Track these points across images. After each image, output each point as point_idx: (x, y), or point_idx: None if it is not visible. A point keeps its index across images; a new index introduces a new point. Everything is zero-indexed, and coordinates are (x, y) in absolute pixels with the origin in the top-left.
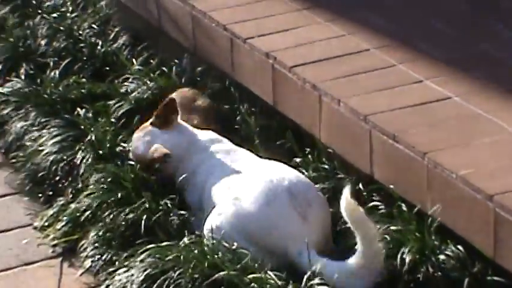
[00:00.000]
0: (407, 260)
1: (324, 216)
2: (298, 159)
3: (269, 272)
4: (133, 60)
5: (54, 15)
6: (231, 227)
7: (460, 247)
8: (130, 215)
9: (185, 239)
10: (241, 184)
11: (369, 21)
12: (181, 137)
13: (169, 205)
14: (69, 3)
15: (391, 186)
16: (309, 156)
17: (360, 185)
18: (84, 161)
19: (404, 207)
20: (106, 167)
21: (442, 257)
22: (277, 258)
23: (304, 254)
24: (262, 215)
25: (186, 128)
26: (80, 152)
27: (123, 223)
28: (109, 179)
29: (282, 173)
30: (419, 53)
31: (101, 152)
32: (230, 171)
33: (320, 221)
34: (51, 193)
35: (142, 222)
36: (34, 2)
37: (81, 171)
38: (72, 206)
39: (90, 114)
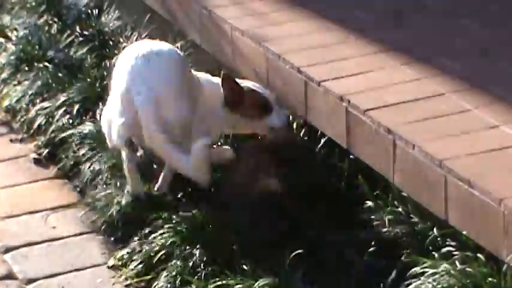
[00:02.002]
0: None
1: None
2: (370, 203)
3: None
4: None
5: None
6: None
7: None
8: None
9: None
10: None
11: (444, 65)
12: None
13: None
14: None
15: (465, 232)
16: (382, 200)
17: (434, 230)
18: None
19: (479, 254)
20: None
21: None
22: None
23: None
24: None
25: None
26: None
27: (194, 262)
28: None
29: None
30: (495, 97)
31: None
32: None
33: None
34: (125, 233)
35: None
36: (111, 43)
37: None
38: (146, 246)
39: None
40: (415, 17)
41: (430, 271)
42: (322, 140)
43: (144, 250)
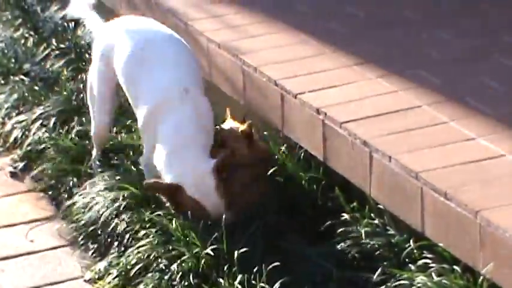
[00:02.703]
0: None
1: None
2: (346, 215)
3: None
4: None
5: None
6: None
7: None
8: (181, 267)
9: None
10: None
11: (420, 78)
12: None
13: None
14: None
15: (441, 244)
16: (359, 212)
17: (411, 242)
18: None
19: (455, 266)
20: (153, 219)
21: None
22: None
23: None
24: None
25: None
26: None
27: (171, 275)
28: (158, 232)
29: None
30: (471, 109)
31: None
32: None
33: None
34: (102, 246)
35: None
36: (88, 56)
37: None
38: (123, 259)
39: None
40: (392, 29)
41: (407, 283)
42: (300, 153)
43: (121, 263)
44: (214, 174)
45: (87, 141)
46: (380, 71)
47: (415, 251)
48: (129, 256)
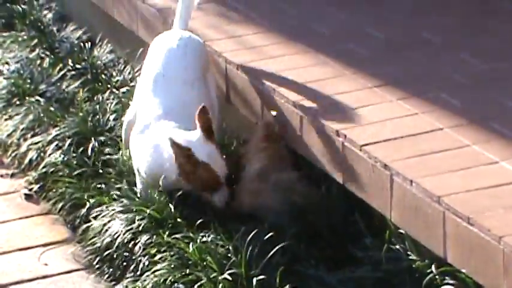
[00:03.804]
0: None
1: None
2: (367, 240)
3: None
4: None
5: (123, 90)
6: None
7: None
8: None
9: None
10: None
11: (442, 100)
12: None
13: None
14: (138, 79)
15: (464, 270)
16: (379, 237)
17: (433, 268)
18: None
19: None
20: (170, 242)
21: None
22: None
23: None
24: None
25: None
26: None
27: None
28: (175, 256)
29: None
30: (494, 133)
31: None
32: None
33: None
34: (117, 269)
35: None
36: (104, 76)
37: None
38: (139, 283)
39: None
40: (413, 50)
41: None
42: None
43: (137, 287)
44: (209, 138)
45: (102, 164)
46: (400, 93)
47: (437, 277)
48: (145, 280)
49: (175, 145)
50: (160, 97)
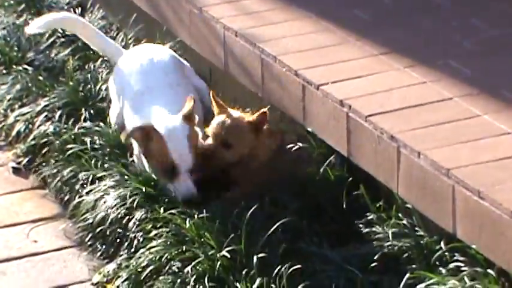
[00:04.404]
0: None
1: None
2: (372, 215)
3: None
4: None
5: None
6: None
7: None
8: (195, 270)
9: None
10: None
11: (451, 68)
12: None
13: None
14: (131, 46)
15: (474, 246)
16: (385, 212)
17: (442, 244)
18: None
19: (489, 269)
20: (165, 218)
21: None
22: None
23: None
24: None
25: None
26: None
27: (184, 278)
28: (171, 232)
29: None
30: (505, 102)
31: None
32: None
33: None
34: (111, 247)
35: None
36: None
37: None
38: (133, 261)
39: None
40: (420, 15)
41: None
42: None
43: (131, 265)
44: (185, 122)
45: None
46: (408, 61)
47: (446, 253)
48: (139, 258)
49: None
50: (149, 106)
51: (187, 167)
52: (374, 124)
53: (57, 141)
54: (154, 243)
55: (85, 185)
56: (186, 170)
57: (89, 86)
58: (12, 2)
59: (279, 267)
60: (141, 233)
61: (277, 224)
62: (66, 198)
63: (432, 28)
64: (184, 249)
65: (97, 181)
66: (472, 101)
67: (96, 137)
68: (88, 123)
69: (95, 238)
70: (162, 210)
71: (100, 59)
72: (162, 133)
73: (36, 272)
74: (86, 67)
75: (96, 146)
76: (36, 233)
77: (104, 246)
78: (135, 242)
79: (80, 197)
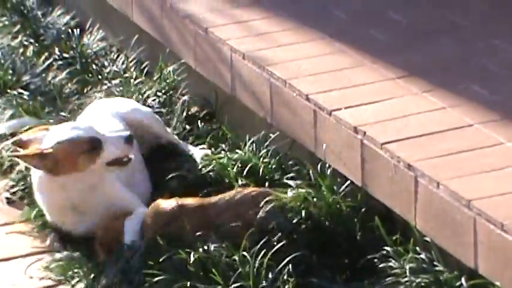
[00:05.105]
0: None
1: None
2: (388, 249)
3: None
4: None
5: (116, 81)
6: None
7: None
8: None
9: None
10: None
11: (473, 93)
12: None
13: None
14: (132, 69)
15: (498, 283)
16: (402, 245)
17: (462, 280)
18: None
19: None
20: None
21: None
22: None
23: None
24: None
25: None
26: None
27: None
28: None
29: None
30: None
31: None
32: None
33: None
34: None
35: None
36: (94, 67)
37: None
38: None
39: None
40: (440, 36)
41: None
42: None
43: None
44: None
45: None
46: (426, 85)
47: None
48: None
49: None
50: None
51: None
52: (390, 152)
53: None
54: (156, 279)
55: None
56: None
57: None
58: (7, 22)
59: None
60: (142, 268)
61: (288, 258)
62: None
63: (452, 50)
64: (188, 285)
65: None
66: (495, 128)
67: None
68: None
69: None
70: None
71: (99, 84)
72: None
73: None
74: (84, 91)
75: None
76: (32, 268)
77: (104, 281)
78: (137, 277)
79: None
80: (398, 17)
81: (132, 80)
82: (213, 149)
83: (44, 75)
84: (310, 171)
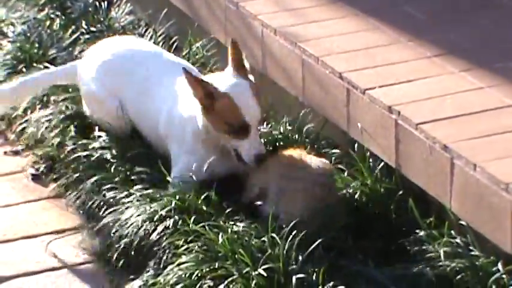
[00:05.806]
0: None
1: None
2: (422, 232)
3: None
4: None
5: None
6: None
7: None
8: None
9: None
10: None
11: (511, 72)
12: None
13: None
14: (161, 44)
15: None
16: (437, 229)
17: (499, 265)
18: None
19: None
20: (196, 232)
21: None
22: None
23: None
24: None
25: None
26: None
27: None
28: (203, 247)
29: None
30: None
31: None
32: None
33: None
34: (136, 262)
35: None
36: None
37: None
38: (160, 278)
39: None
40: (478, 14)
41: None
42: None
43: (158, 283)
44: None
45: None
46: (464, 64)
47: (503, 276)
48: (168, 275)
49: (187, 74)
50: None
51: (257, 122)
52: (425, 133)
53: (81, 147)
54: (184, 259)
55: (109, 195)
56: (256, 125)
57: None
58: None
59: (320, 287)
60: (169, 248)
61: (319, 240)
62: (89, 208)
63: (491, 28)
64: (216, 266)
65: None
66: None
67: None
68: None
69: (120, 253)
70: (192, 222)
71: None
72: (227, 92)
73: None
74: None
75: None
76: (56, 245)
77: (129, 262)
78: (164, 257)
79: (103, 207)
80: None
81: None
82: None
83: (70, 49)
84: (350, 151)
